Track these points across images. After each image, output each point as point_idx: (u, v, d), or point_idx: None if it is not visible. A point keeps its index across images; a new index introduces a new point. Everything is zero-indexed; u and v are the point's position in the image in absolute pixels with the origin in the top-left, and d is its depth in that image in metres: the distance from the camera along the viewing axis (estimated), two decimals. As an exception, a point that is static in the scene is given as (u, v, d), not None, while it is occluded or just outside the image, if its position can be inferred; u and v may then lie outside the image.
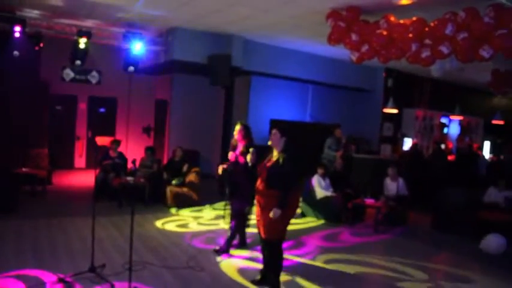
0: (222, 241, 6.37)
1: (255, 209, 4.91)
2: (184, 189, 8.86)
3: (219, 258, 5.79)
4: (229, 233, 6.10)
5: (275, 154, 4.75)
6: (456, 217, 8.04)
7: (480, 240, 7.07)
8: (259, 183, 4.76)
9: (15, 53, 8.69)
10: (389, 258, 6.36)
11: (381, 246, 7.19)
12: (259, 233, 4.88)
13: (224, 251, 6.00)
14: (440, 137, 14.38)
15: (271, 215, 4.47)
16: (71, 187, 10.16)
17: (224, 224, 7.44)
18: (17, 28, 8.37)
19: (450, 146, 14.87)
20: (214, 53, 9.76)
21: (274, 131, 4.82)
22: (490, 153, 16.37)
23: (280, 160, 4.64)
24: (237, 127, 5.95)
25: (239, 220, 6.05)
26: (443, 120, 15.04)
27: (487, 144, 16.68)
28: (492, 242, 6.93)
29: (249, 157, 5.52)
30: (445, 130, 15.22)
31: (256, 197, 4.82)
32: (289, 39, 10.16)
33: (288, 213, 4.66)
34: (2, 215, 7.10)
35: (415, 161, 11.22)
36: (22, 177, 8.59)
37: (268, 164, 4.73)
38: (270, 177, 4.63)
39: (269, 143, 4.86)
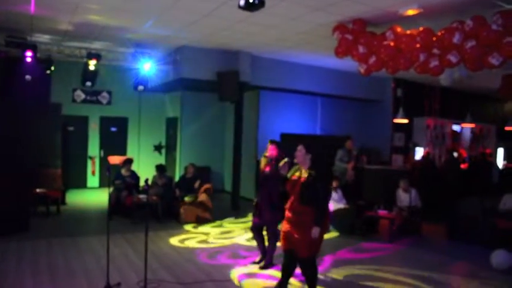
0: (241, 254, 6.54)
1: (283, 226, 4.77)
2: (197, 206, 8.86)
3: (233, 273, 5.76)
4: (260, 246, 6.15)
5: (303, 171, 4.65)
6: (472, 226, 7.92)
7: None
8: (292, 200, 4.68)
9: (27, 77, 8.88)
10: (405, 269, 6.26)
11: (396, 258, 7.08)
12: (288, 249, 4.72)
13: (269, 264, 5.94)
14: (452, 146, 14.24)
15: (312, 234, 4.41)
16: (85, 206, 10.21)
17: (245, 240, 7.45)
18: (29, 53, 8.55)
19: (464, 154, 14.70)
20: (222, 70, 9.85)
21: (299, 147, 4.70)
22: (504, 160, 16.15)
23: (311, 178, 4.54)
24: (269, 145, 5.95)
25: (274, 231, 5.93)
26: (455, 128, 14.91)
27: (500, 151, 16.46)
28: (499, 258, 6.41)
29: (282, 163, 5.11)
30: (457, 138, 15.07)
31: (288, 213, 4.70)
32: (296, 54, 10.22)
33: (324, 229, 4.64)
34: (16, 235, 7.16)
35: (428, 170, 11.11)
36: (37, 198, 8.71)
37: (300, 181, 4.61)
38: (304, 194, 4.53)
39: (294, 160, 4.76)
